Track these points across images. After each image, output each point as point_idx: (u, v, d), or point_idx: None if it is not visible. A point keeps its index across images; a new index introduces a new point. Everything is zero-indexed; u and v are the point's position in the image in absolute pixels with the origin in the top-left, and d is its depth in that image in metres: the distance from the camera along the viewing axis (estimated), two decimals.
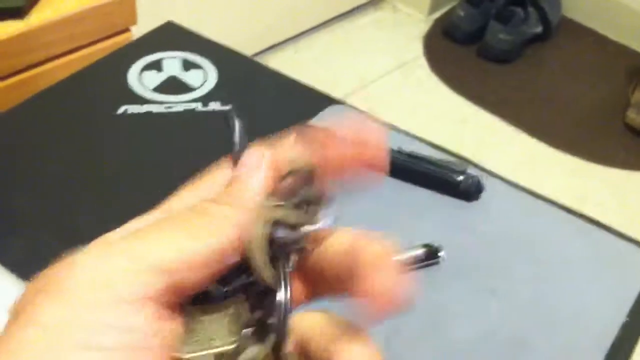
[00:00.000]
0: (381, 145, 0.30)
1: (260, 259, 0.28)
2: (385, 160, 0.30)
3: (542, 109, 2.14)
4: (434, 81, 2.19)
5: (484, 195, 0.77)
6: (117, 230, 0.30)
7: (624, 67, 2.24)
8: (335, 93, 2.05)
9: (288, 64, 2.18)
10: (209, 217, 0.28)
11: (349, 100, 2.19)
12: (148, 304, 0.26)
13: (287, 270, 0.28)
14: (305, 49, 2.24)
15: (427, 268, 0.69)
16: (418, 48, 2.29)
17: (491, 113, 2.09)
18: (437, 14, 2.39)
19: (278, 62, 2.17)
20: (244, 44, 2.07)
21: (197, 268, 0.27)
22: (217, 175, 0.32)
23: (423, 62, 2.24)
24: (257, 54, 2.15)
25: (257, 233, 0.28)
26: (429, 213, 0.75)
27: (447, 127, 2.06)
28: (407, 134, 0.83)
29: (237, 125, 0.33)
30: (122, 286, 0.26)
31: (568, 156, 2.00)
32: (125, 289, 0.26)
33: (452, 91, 2.15)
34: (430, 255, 0.70)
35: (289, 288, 0.28)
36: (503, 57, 2.21)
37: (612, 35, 2.33)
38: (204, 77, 0.88)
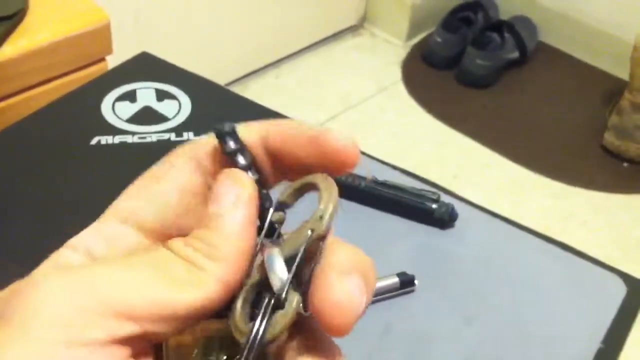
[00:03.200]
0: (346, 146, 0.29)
1: (238, 326, 0.26)
2: (355, 154, 0.29)
3: (520, 133, 2.15)
4: (413, 106, 2.20)
5: (458, 222, 0.77)
6: (74, 242, 0.29)
7: (601, 90, 2.26)
8: (317, 118, 2.06)
9: (269, 89, 2.19)
10: (193, 268, 0.26)
11: (332, 123, 2.18)
12: (113, 349, 0.24)
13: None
14: (286, 74, 2.25)
15: (401, 296, 0.69)
16: (397, 73, 2.31)
17: (470, 137, 2.10)
18: (415, 40, 2.41)
19: (259, 88, 2.18)
20: (224, 70, 2.09)
21: (171, 320, 0.25)
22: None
23: (402, 87, 2.26)
24: (237, 80, 2.16)
25: (238, 308, 0.26)
26: (403, 240, 0.75)
27: (427, 152, 2.06)
28: (380, 162, 0.84)
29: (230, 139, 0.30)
30: (86, 329, 0.24)
31: (548, 180, 2.01)
32: (88, 332, 0.24)
33: (431, 116, 2.16)
34: (405, 284, 0.70)
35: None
36: (481, 82, 2.23)
37: (588, 59, 2.36)
38: (178, 107, 0.88)
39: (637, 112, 2.00)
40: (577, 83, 2.32)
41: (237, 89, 2.15)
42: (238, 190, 0.28)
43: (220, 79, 2.10)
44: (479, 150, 2.08)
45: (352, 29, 2.44)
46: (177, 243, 0.27)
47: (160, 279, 0.25)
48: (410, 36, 2.41)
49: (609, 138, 2.06)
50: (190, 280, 0.25)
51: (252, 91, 2.16)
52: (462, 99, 2.23)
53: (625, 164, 2.05)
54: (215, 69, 2.05)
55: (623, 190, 2.00)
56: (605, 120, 2.10)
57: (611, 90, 2.21)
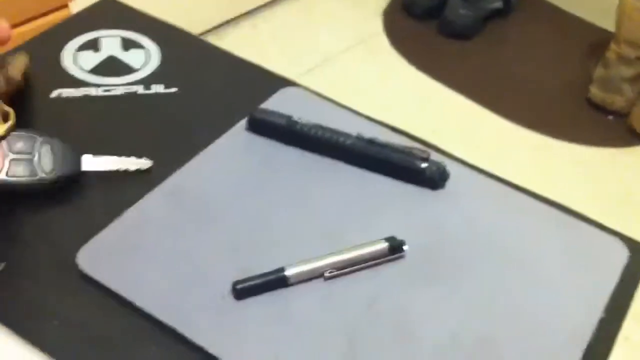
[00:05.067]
0: None
1: None
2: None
3: (504, 86, 2.10)
4: (394, 57, 2.13)
5: (449, 182, 0.72)
6: None
7: (586, 42, 2.21)
8: (295, 69, 1.99)
9: (245, 39, 2.11)
10: None
11: (310, 76, 2.12)
12: None
13: None
14: (262, 24, 2.17)
15: (389, 264, 0.64)
16: (378, 24, 2.23)
17: (453, 89, 2.05)
18: None
19: (235, 38, 2.10)
20: (198, 19, 2.00)
21: None
22: None
23: (383, 39, 2.19)
24: (212, 29, 2.07)
25: None
26: (392, 202, 0.70)
27: (409, 104, 2.01)
28: (368, 118, 0.78)
29: None
30: None
31: (531, 132, 1.97)
32: None
33: (413, 67, 2.10)
34: (394, 250, 0.65)
35: None
36: (463, 33, 2.17)
37: (574, 10, 2.30)
38: (146, 57, 0.81)
39: (623, 64, 1.95)
40: (562, 34, 2.26)
41: (211, 39, 2.06)
42: None
43: (194, 29, 2.01)
44: (461, 102, 2.02)
45: None
46: None
47: None
48: None
49: (594, 90, 2.01)
50: None
51: (228, 41, 2.08)
52: (444, 50, 2.17)
53: (610, 117, 2.01)
54: (189, 18, 1.96)
55: (607, 144, 1.96)
56: (590, 73, 2.05)
57: (596, 42, 2.15)
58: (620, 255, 0.67)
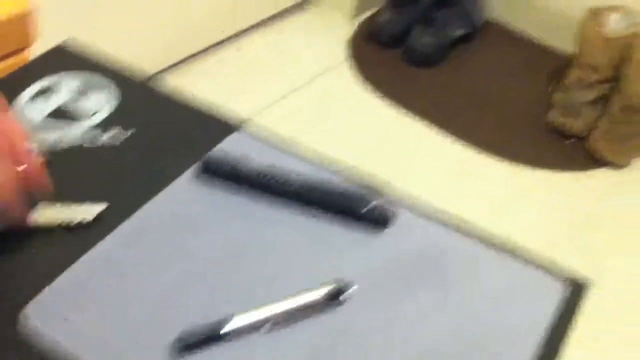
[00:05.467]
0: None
1: None
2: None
3: (468, 111, 2.14)
4: (360, 85, 2.17)
5: (394, 222, 0.74)
6: None
7: (546, 66, 2.25)
8: (262, 100, 2.01)
9: (211, 72, 2.13)
10: None
11: (276, 107, 2.14)
12: None
13: None
14: (229, 56, 2.19)
15: (332, 307, 0.66)
16: (343, 52, 2.27)
17: (418, 116, 2.08)
18: (362, 17, 2.37)
19: (199, 71, 2.12)
20: (160, 55, 2.01)
21: None
22: None
23: (349, 66, 2.22)
24: (179, 62, 2.09)
25: None
26: (339, 243, 0.72)
27: (374, 131, 2.04)
28: (315, 160, 0.80)
29: None
30: None
31: (497, 159, 2.00)
32: None
33: (378, 95, 2.13)
34: (336, 295, 0.67)
35: None
36: (427, 60, 2.21)
37: (535, 34, 2.35)
38: (102, 101, 0.83)
39: (582, 88, 1.99)
40: (524, 59, 2.31)
41: (179, 72, 2.09)
42: None
43: (163, 63, 2.03)
44: (425, 130, 2.06)
45: (297, 7, 2.38)
46: None
47: None
48: (356, 13, 2.37)
49: (554, 115, 2.06)
50: None
51: (195, 74, 2.10)
52: (409, 77, 2.21)
53: (569, 141, 2.05)
54: (157, 53, 1.98)
55: (568, 168, 2.01)
56: (550, 97, 2.09)
57: (555, 67, 2.20)
58: (556, 292, 0.70)
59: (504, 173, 1.97)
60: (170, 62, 2.06)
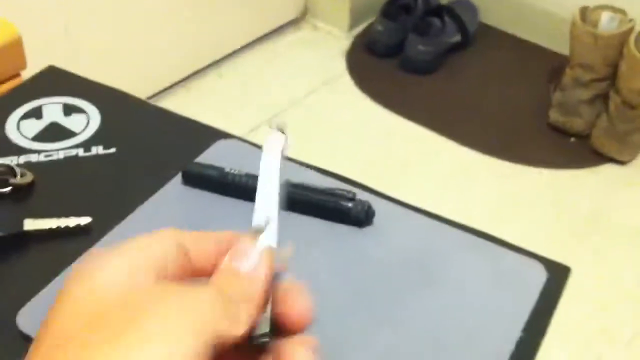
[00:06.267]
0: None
1: None
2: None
3: (467, 116, 2.15)
4: (359, 96, 2.18)
5: (376, 220, 0.75)
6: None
7: (544, 68, 2.26)
8: (262, 115, 2.03)
9: (212, 89, 2.16)
10: (235, 307, 0.33)
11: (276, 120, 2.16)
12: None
13: None
14: (228, 73, 2.22)
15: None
16: (341, 65, 2.29)
17: (418, 124, 2.09)
18: (357, 30, 2.40)
19: (201, 89, 2.15)
20: (164, 73, 2.05)
21: (219, 345, 0.31)
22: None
23: (347, 79, 2.24)
24: (179, 82, 2.12)
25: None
26: (321, 242, 0.73)
27: (375, 141, 2.05)
28: (295, 162, 0.82)
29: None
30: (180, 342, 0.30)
31: (497, 161, 2.01)
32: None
33: (377, 105, 2.15)
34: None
35: None
36: (424, 68, 2.22)
37: (530, 37, 2.36)
38: (86, 121, 0.85)
39: (578, 87, 2.00)
40: (521, 62, 2.32)
41: (179, 92, 2.12)
42: (265, 251, 0.37)
43: (161, 83, 2.06)
44: (427, 136, 2.07)
45: (293, 23, 2.41)
46: (218, 285, 0.35)
47: (225, 312, 0.32)
48: (352, 26, 2.39)
49: (554, 115, 2.06)
50: (236, 318, 0.33)
51: (194, 92, 2.13)
52: (407, 86, 2.22)
53: (571, 139, 2.06)
54: (155, 73, 2.01)
55: (571, 166, 2.01)
56: (550, 98, 2.10)
57: (554, 67, 2.21)
58: (539, 277, 0.71)
59: (507, 174, 1.98)
60: (173, 81, 2.09)
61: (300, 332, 0.37)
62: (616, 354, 1.56)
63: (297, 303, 0.37)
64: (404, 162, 1.99)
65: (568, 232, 1.82)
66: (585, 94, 2.00)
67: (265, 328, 0.35)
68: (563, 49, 2.11)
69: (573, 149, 2.05)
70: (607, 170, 2.00)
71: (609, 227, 1.84)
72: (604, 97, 2.01)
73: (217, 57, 2.21)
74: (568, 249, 1.73)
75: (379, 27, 2.26)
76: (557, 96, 2.07)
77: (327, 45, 2.37)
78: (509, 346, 0.64)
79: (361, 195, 0.76)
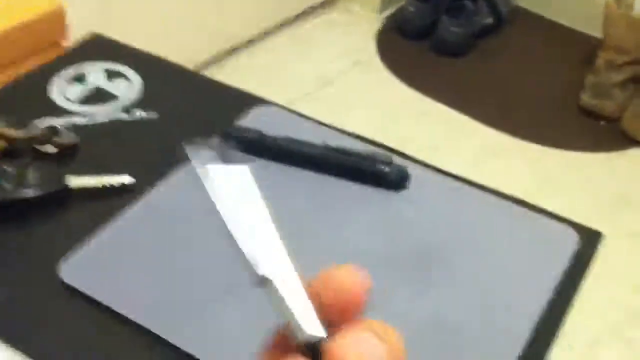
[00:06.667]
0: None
1: None
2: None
3: (498, 99, 2.15)
4: (389, 78, 2.19)
5: (412, 185, 0.77)
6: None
7: (576, 51, 2.25)
8: (294, 94, 2.05)
9: (243, 69, 2.18)
10: None
11: (308, 100, 2.18)
12: None
13: None
14: (260, 53, 2.24)
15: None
16: (372, 46, 2.30)
17: (448, 106, 2.09)
18: (389, 12, 2.40)
19: (233, 68, 2.17)
20: (197, 51, 2.07)
21: None
22: None
23: (378, 60, 2.25)
24: (211, 61, 2.14)
25: None
26: (359, 205, 0.75)
27: (405, 122, 2.06)
28: (331, 128, 0.83)
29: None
30: None
31: (527, 143, 2.01)
32: None
33: (408, 87, 2.15)
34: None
35: None
36: (456, 50, 2.22)
37: (563, 20, 2.35)
38: (128, 86, 0.88)
39: (611, 70, 1.99)
40: (553, 45, 2.31)
41: (212, 69, 2.14)
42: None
43: (195, 59, 2.08)
44: (457, 118, 2.07)
45: (325, 5, 2.42)
46: None
47: None
48: (383, 8, 2.39)
49: (586, 98, 2.06)
50: None
51: (227, 70, 2.15)
52: (438, 68, 2.22)
53: (602, 123, 2.05)
54: (189, 50, 2.03)
55: (601, 149, 2.00)
56: (581, 81, 2.09)
57: (586, 50, 2.20)
58: (571, 241, 0.72)
59: (536, 156, 1.97)
60: (205, 58, 2.11)
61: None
62: None
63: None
64: (433, 144, 1.99)
65: (597, 215, 1.81)
66: (617, 77, 1.99)
67: (320, 332, 0.31)
68: (596, 31, 2.10)
69: (603, 132, 2.04)
70: (636, 153, 1.99)
71: (637, 210, 1.83)
72: (636, 81, 1.99)
73: (250, 37, 2.23)
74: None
75: (411, 8, 2.26)
76: (589, 79, 2.06)
77: (358, 27, 2.37)
78: (540, 306, 0.66)
79: (397, 161, 0.78)
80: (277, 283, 0.31)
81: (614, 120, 2.03)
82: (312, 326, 0.31)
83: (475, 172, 2.01)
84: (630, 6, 1.93)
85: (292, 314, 0.30)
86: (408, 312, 0.65)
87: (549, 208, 0.76)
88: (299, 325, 0.31)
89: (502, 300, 0.67)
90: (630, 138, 2.00)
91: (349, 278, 0.33)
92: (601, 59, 2.01)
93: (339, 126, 0.84)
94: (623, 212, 1.83)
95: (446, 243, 0.72)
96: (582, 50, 2.23)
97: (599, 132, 2.04)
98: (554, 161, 1.97)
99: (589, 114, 2.06)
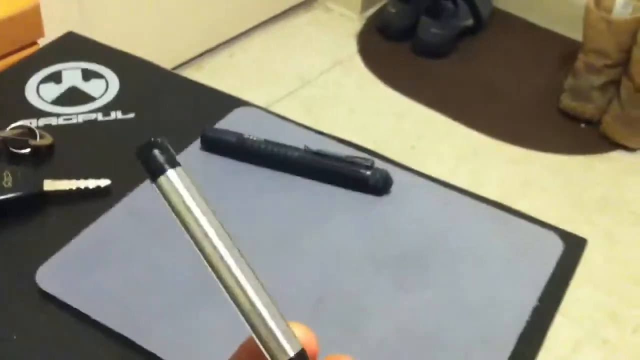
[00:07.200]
0: None
1: None
2: None
3: (478, 100, 2.15)
4: (370, 79, 2.18)
5: (393, 189, 0.76)
6: None
7: (556, 53, 2.26)
8: (275, 94, 2.04)
9: (224, 68, 2.16)
10: None
11: (289, 100, 2.17)
12: None
13: None
14: (240, 52, 2.22)
15: (335, 267, 0.68)
16: (353, 46, 2.29)
17: (428, 107, 2.09)
18: (370, 12, 2.39)
19: (213, 67, 2.15)
20: (176, 51, 2.05)
21: None
22: None
23: (358, 61, 2.24)
24: (191, 60, 2.12)
25: None
26: (340, 210, 0.74)
27: (386, 124, 2.05)
28: (315, 131, 0.82)
29: None
30: None
31: (507, 145, 2.01)
32: None
33: (388, 87, 2.15)
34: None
35: None
36: (436, 52, 2.22)
37: (543, 23, 2.35)
38: (105, 86, 0.86)
39: (591, 72, 1.99)
40: (533, 47, 2.32)
41: (191, 69, 2.12)
42: None
43: (174, 60, 2.06)
44: (437, 119, 2.07)
45: (306, 4, 2.41)
46: None
47: None
48: (364, 8, 2.38)
49: (565, 100, 2.06)
50: None
51: (207, 71, 2.13)
52: (418, 69, 2.22)
53: (582, 125, 2.05)
54: (168, 50, 2.01)
55: (581, 151, 2.01)
56: (561, 83, 2.09)
57: (566, 52, 2.20)
58: (556, 248, 0.71)
59: (517, 158, 1.97)
60: (184, 59, 2.09)
61: None
62: (623, 338, 1.57)
63: None
64: (413, 145, 1.99)
65: (577, 218, 1.82)
66: (597, 79, 1.99)
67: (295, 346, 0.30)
68: (576, 34, 2.11)
69: (583, 134, 2.05)
70: (616, 156, 2.00)
71: (617, 213, 1.84)
72: (615, 84, 2.00)
73: (229, 37, 2.21)
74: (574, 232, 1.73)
75: (392, 9, 2.26)
76: (568, 82, 2.06)
77: (339, 27, 2.36)
78: (526, 314, 0.65)
79: (379, 164, 0.77)
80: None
81: (594, 123, 2.04)
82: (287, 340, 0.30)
83: (455, 173, 2.01)
84: (610, 9, 1.94)
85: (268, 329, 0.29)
86: (386, 317, 0.64)
87: (529, 210, 0.76)
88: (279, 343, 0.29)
89: (486, 308, 0.66)
90: (610, 141, 2.00)
91: None
92: (581, 61, 2.02)
93: (320, 126, 0.82)
94: (601, 215, 1.83)
95: (427, 249, 0.71)
96: (562, 52, 2.24)
97: (579, 134, 2.04)
98: (533, 163, 1.97)
99: (570, 116, 2.06)
